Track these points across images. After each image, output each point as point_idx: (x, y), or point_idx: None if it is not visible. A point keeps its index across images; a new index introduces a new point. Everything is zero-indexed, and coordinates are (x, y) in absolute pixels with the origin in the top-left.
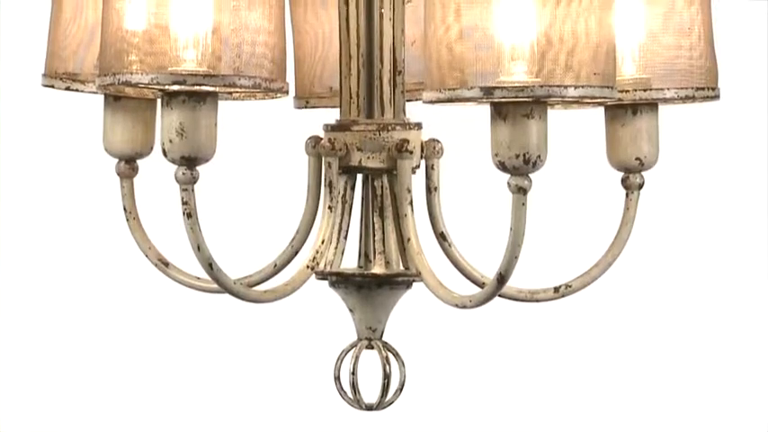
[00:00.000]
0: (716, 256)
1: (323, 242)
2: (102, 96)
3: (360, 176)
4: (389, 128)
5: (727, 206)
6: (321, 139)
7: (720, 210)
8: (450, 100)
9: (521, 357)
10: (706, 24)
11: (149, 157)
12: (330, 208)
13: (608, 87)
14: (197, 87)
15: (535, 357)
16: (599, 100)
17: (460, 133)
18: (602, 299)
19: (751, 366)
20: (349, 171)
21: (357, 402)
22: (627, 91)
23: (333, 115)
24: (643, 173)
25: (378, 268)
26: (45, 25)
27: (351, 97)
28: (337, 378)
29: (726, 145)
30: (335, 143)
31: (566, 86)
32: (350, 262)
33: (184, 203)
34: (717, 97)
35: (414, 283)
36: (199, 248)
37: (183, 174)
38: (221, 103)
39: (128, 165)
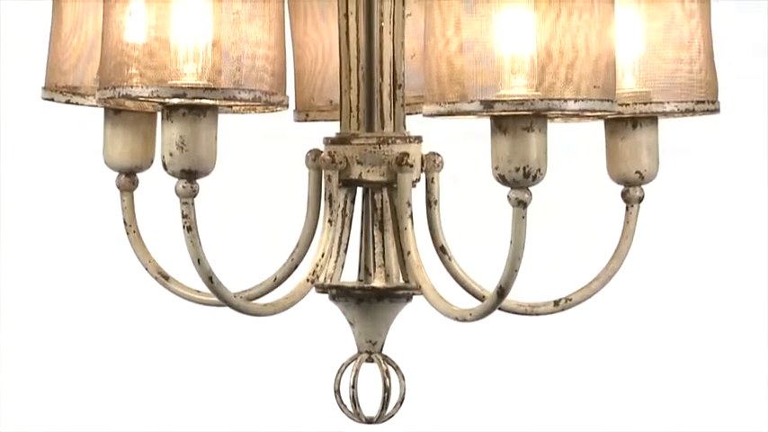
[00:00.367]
0: (716, 270)
1: (323, 255)
2: (103, 109)
3: (360, 190)
4: (389, 141)
5: (728, 219)
6: (321, 152)
7: (720, 223)
8: (450, 113)
9: (521, 371)
10: (706, 38)
11: (149, 171)
12: (330, 221)
13: (608, 101)
14: (197, 101)
15: (535, 371)
16: (599, 113)
17: (460, 147)
18: (603, 312)
19: (750, 378)
20: (349, 184)
21: (357, 416)
22: (627, 104)
23: (333, 128)
24: (643, 186)
25: (378, 281)
26: (45, 38)
27: (351, 110)
28: (337, 391)
29: (726, 158)
30: (335, 156)
31: (566, 100)
32: (350, 275)
33: (184, 217)
34: (717, 111)
35: (414, 297)
36: (199, 262)
37: (183, 187)
38: (221, 117)
39: (128, 178)
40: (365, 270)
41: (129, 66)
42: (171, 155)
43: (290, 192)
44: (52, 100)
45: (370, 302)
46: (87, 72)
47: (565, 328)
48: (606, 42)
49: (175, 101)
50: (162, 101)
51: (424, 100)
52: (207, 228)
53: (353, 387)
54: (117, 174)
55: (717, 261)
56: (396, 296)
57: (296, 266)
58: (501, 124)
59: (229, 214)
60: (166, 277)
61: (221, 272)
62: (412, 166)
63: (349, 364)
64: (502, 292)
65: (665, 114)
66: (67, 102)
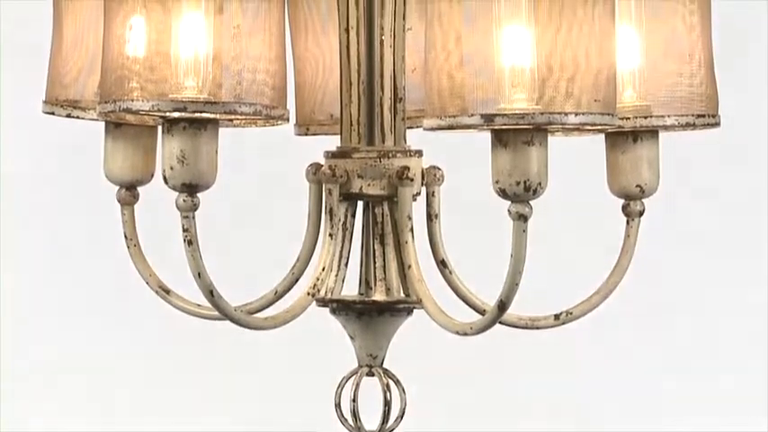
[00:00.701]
0: (717, 284)
1: (324, 269)
2: (103, 123)
3: (360, 203)
4: (390, 155)
5: (729, 233)
6: (322, 166)
7: (721, 237)
8: (450, 127)
9: (521, 384)
10: (706, 51)
11: (150, 184)
12: (331, 235)
13: (609, 114)
14: (198, 114)
15: (536, 384)
16: (600, 127)
17: (461, 160)
18: (604, 326)
19: (752, 391)
20: (349, 198)
21: (358, 430)
22: (627, 118)
23: (333, 142)
24: (644, 200)
25: (378, 295)
26: (46, 52)
27: (351, 124)
28: (338, 405)
29: (726, 172)
30: (336, 170)
31: (566, 113)
32: (351, 289)
33: (185, 230)
34: (717, 124)
35: (414, 311)
36: (199, 275)
37: (184, 201)
38: (222, 130)
39: (128, 191)
40: (366, 284)
41: (130, 79)
42: (171, 168)
43: (290, 206)
44: (53, 113)
45: (371, 316)
46: (88, 86)
47: (565, 342)
48: (607, 56)
49: (176, 114)
50: (162, 114)
51: (425, 114)
52: (207, 241)
53: (354, 401)
54: (117, 187)
55: (718, 275)
56: (396, 310)
57: (297, 280)
58: (501, 138)
59: (230, 228)
60: (167, 291)
61: (222, 285)
62: (412, 179)
63: (350, 377)
64: (503, 305)
65: (666, 128)
66: (68, 115)
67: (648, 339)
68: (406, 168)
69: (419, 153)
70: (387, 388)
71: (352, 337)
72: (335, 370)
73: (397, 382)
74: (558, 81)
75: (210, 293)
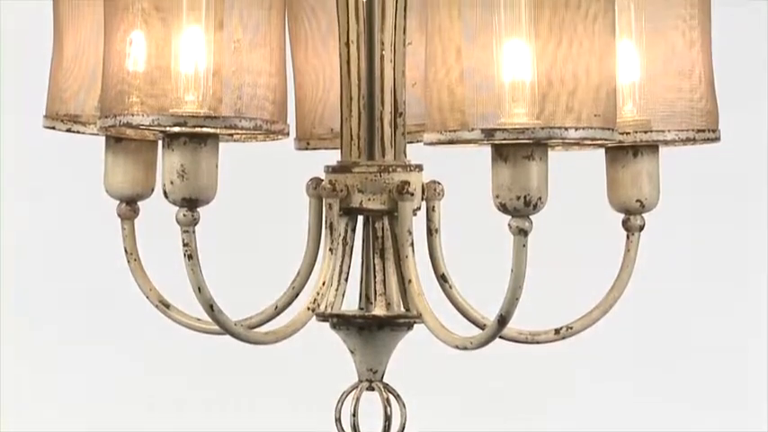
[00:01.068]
0: (717, 298)
1: (324, 284)
2: (104, 138)
3: (360, 218)
4: (390, 169)
5: (728, 248)
6: (322, 180)
7: (721, 251)
8: (451, 142)
9: (521, 399)
10: (707, 66)
11: (150, 198)
12: (331, 250)
13: (609, 129)
14: (198, 129)
15: (536, 399)
16: (600, 142)
17: (461, 175)
18: (604, 341)
19: (751, 401)
20: (350, 213)
21: None
22: (627, 133)
23: (334, 157)
24: (644, 214)
25: (379, 310)
26: (46, 67)
27: (352, 139)
28: (338, 420)
29: (726, 186)
30: (336, 185)
31: (567, 128)
32: (351, 304)
33: (185, 245)
34: (717, 139)
35: (415, 325)
36: (200, 290)
37: (184, 215)
38: (222, 145)
39: (129, 206)
40: (366, 298)
41: (130, 94)
42: (172, 183)
43: (290, 220)
44: (53, 128)
45: (371, 331)
46: (88, 100)
47: (566, 357)
48: (607, 71)
49: (176, 129)
50: (163, 129)
51: (425, 128)
52: (208, 256)
53: (354, 415)
54: (118, 202)
55: (718, 290)
56: (397, 324)
57: (297, 295)
58: (502, 152)
59: (230, 242)
60: (167, 305)
61: (222, 300)
62: (413, 194)
63: (350, 392)
64: (503, 320)
65: (666, 143)
66: (68, 130)
67: (649, 353)
68: (407, 183)
69: (419, 168)
70: (387, 402)
71: (352, 352)
72: (336, 384)
73: (398, 397)
74: (559, 96)
75: (211, 308)
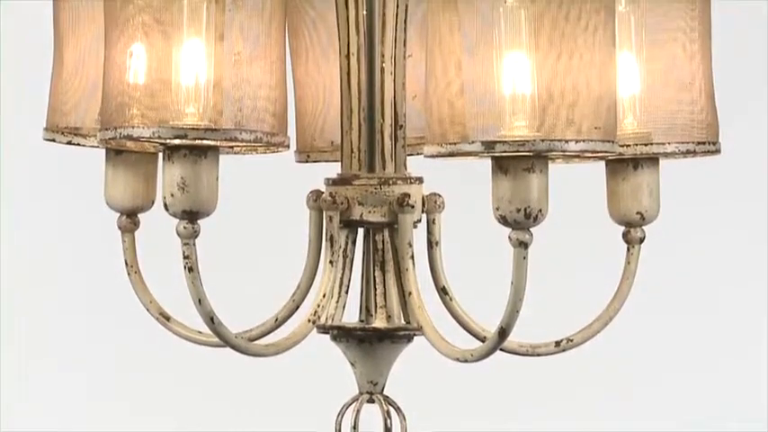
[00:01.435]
0: (717, 310)
1: (324, 296)
2: (104, 150)
3: (361, 230)
4: (391, 182)
5: (728, 260)
6: (322, 193)
7: (721, 264)
8: (451, 154)
9: (522, 411)
10: (707, 79)
11: (150, 211)
12: (331, 262)
13: (609, 141)
14: (198, 141)
15: (536, 411)
16: (600, 154)
17: (462, 187)
18: (604, 353)
19: (752, 409)
20: (350, 225)
21: None
22: (628, 145)
23: (334, 169)
24: (644, 227)
25: (379, 322)
26: (47, 79)
27: (352, 151)
28: None
29: (726, 199)
30: (337, 197)
31: (567, 141)
32: (351, 316)
33: (186, 257)
34: (717, 151)
35: (415, 337)
36: (200, 302)
37: (185, 228)
38: (222, 157)
39: (129, 219)
40: (366, 311)
41: (131, 106)
42: (172, 195)
43: (291, 233)
44: (53, 141)
45: (372, 343)
46: (89, 113)
47: (566, 369)
48: (607, 83)
49: (177, 141)
50: (163, 141)
51: (426, 141)
52: (208, 268)
53: (355, 428)
54: (118, 214)
55: (718, 302)
56: (397, 337)
57: (297, 307)
58: (502, 165)
59: (231, 255)
60: (168, 318)
61: (222, 312)
62: (413, 206)
63: (350, 404)
64: (503, 332)
65: (666, 155)
66: (69, 142)
67: (649, 365)
68: (407, 195)
69: (420, 180)
70: (387, 415)
71: (352, 364)
72: (336, 397)
73: (398, 409)
74: (559, 108)
75: (211, 320)
